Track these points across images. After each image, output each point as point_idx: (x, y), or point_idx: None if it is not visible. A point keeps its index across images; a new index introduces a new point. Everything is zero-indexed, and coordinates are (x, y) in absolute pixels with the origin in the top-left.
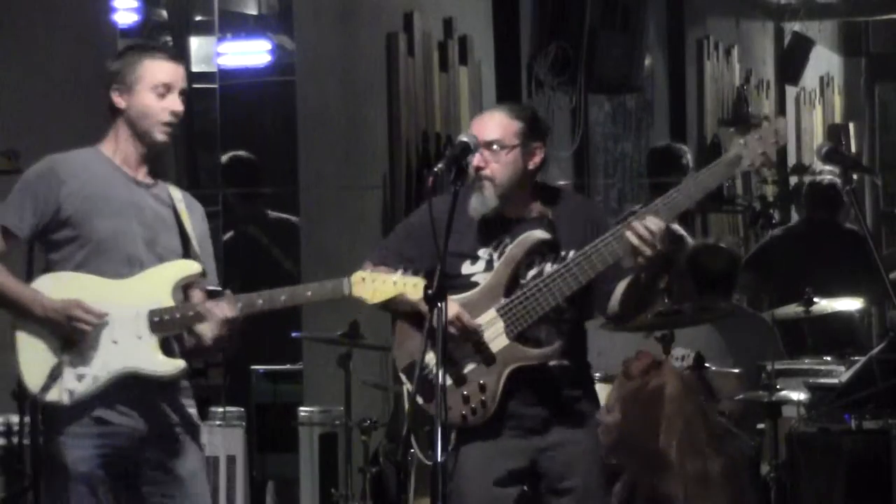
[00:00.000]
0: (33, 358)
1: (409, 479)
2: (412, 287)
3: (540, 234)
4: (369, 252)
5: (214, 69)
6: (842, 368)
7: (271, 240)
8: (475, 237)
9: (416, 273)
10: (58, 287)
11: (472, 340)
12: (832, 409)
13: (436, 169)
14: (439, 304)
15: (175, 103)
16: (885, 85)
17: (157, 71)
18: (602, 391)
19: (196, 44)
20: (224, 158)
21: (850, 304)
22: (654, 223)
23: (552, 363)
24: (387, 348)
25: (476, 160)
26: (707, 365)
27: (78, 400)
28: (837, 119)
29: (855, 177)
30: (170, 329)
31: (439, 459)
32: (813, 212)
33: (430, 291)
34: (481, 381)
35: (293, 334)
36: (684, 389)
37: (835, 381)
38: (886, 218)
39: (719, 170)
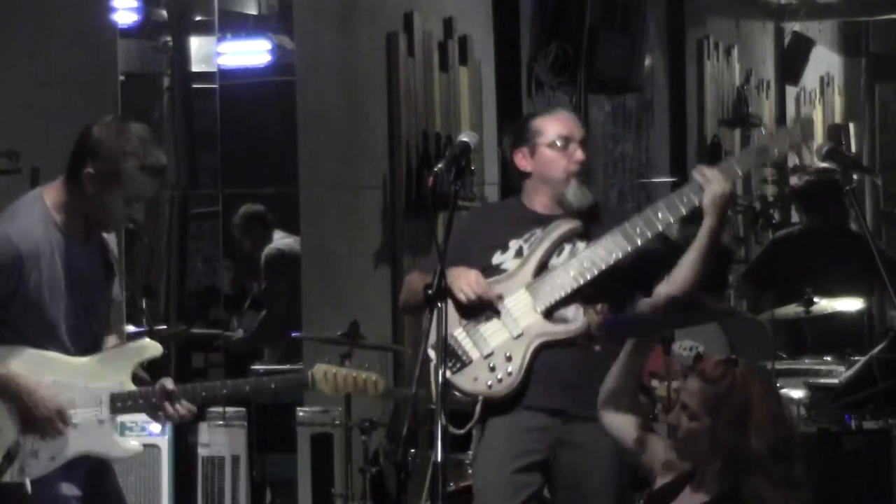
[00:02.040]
0: None
1: (411, 479)
2: (372, 384)
3: (570, 222)
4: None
5: (214, 69)
6: (842, 368)
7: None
8: (507, 230)
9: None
10: (19, 362)
11: (490, 304)
12: (832, 409)
13: (436, 169)
14: (439, 305)
15: (140, 213)
16: (885, 85)
17: (142, 187)
18: None
19: (196, 44)
20: (241, 212)
21: (850, 305)
22: (712, 171)
23: (582, 344)
24: (387, 348)
25: (582, 154)
26: None
27: (33, 479)
28: (837, 119)
29: (855, 177)
30: (130, 412)
31: (439, 459)
32: (808, 216)
33: (430, 291)
34: (508, 353)
35: (293, 334)
36: (769, 388)
37: (835, 381)
38: (886, 218)
39: (745, 157)
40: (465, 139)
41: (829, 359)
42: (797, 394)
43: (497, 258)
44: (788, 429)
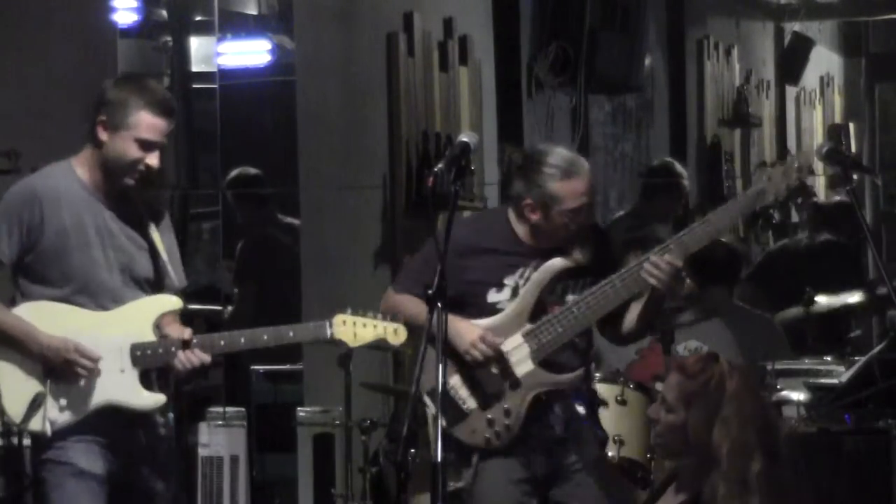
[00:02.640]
0: (14, 387)
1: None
2: (392, 332)
3: (564, 262)
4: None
5: (214, 69)
6: (842, 368)
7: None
8: (501, 265)
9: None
10: (40, 317)
11: (496, 363)
12: (832, 409)
13: (436, 169)
14: (439, 305)
15: (153, 159)
16: (885, 85)
17: (149, 128)
18: (603, 391)
19: (196, 44)
20: (232, 176)
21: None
22: (668, 262)
23: (568, 392)
24: (387, 348)
25: (589, 216)
26: None
27: (58, 430)
28: (837, 119)
29: (855, 177)
30: (150, 363)
31: (439, 459)
32: (816, 231)
33: (430, 292)
34: (506, 406)
35: None
36: (745, 386)
37: (835, 381)
38: (886, 218)
39: (743, 201)
40: (465, 139)
41: (829, 359)
42: (797, 394)
43: (492, 296)
44: (761, 430)
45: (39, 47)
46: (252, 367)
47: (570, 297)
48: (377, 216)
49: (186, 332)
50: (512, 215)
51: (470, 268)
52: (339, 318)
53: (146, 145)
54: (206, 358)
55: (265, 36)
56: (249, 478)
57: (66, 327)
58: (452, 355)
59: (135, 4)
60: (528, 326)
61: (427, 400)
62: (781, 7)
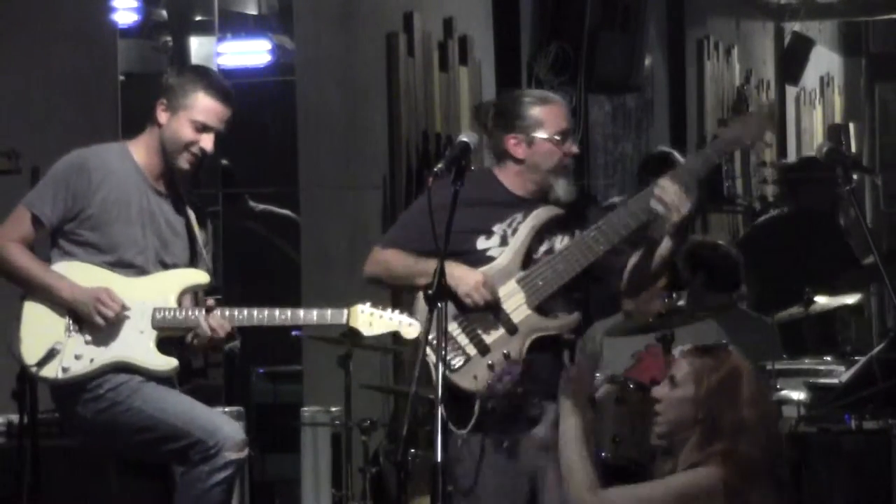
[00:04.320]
0: (36, 331)
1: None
2: (407, 327)
3: (552, 209)
4: (371, 247)
5: (214, 69)
6: (842, 368)
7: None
8: (490, 214)
9: (423, 254)
10: (73, 274)
11: (493, 308)
12: (832, 409)
13: (436, 169)
14: (439, 305)
15: (207, 142)
16: (885, 85)
17: (205, 110)
18: (602, 391)
19: (196, 44)
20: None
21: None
22: (671, 185)
23: (564, 336)
24: (387, 348)
25: (576, 148)
26: None
27: (69, 379)
28: (837, 119)
29: (855, 177)
30: (170, 328)
31: (439, 459)
32: (795, 200)
33: (429, 292)
34: (505, 351)
35: (293, 333)
36: (756, 377)
37: (835, 381)
38: (886, 218)
39: (719, 145)
40: (465, 139)
41: (829, 359)
42: (797, 394)
43: (482, 243)
44: (772, 422)
45: (39, 47)
46: (252, 367)
47: (558, 243)
48: (377, 216)
49: (209, 300)
50: (497, 171)
51: (459, 219)
52: (356, 308)
53: (201, 128)
54: (226, 325)
55: (265, 36)
56: (249, 478)
57: (96, 285)
58: (451, 302)
59: (135, 4)
60: (522, 273)
61: (428, 350)
62: (781, 7)
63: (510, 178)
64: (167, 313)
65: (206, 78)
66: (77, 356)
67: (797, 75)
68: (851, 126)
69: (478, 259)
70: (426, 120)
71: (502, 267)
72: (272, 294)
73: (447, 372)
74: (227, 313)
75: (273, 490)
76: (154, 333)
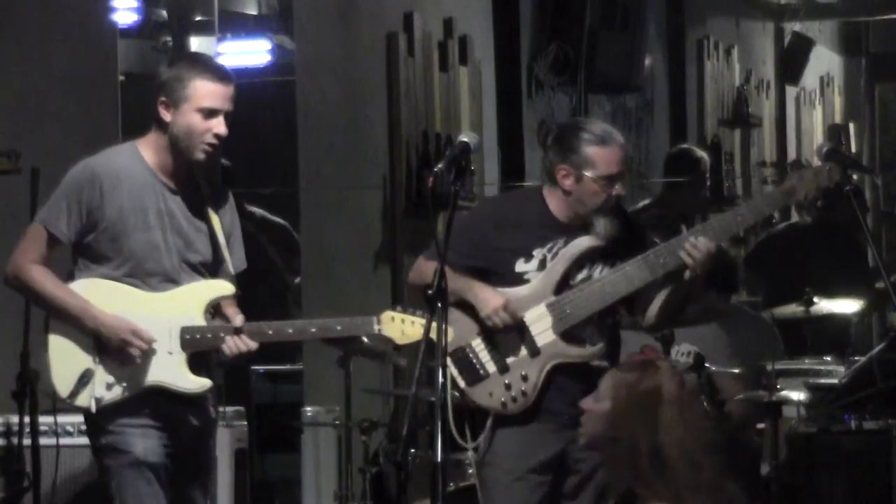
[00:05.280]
0: (65, 362)
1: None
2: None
3: (593, 240)
4: (370, 247)
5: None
6: (842, 368)
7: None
8: (531, 236)
9: (473, 268)
10: (95, 294)
11: (516, 332)
12: (832, 409)
13: (436, 169)
14: (439, 305)
15: (219, 126)
16: (885, 85)
17: (208, 95)
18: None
19: (196, 44)
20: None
21: (848, 307)
22: (705, 244)
23: (593, 363)
24: (386, 348)
25: (623, 190)
26: (707, 365)
27: (104, 408)
28: (837, 119)
29: (855, 177)
30: (199, 347)
31: (439, 459)
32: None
33: (430, 292)
34: (524, 372)
35: None
36: (683, 394)
37: (835, 381)
38: (886, 218)
39: (775, 197)
40: (465, 139)
41: (829, 359)
42: (797, 394)
43: (521, 266)
44: (701, 438)
45: (39, 47)
46: (252, 367)
47: (597, 273)
48: (377, 216)
49: (238, 319)
50: (546, 191)
51: (502, 238)
52: (387, 315)
53: (209, 113)
54: (254, 345)
55: (265, 36)
56: (249, 478)
57: (119, 305)
58: (476, 319)
59: (135, 4)
60: (553, 298)
61: (449, 362)
62: (781, 7)
63: (556, 203)
64: (196, 334)
65: (199, 63)
66: (108, 385)
67: (797, 75)
68: (851, 126)
69: (513, 281)
70: (426, 120)
71: (534, 290)
72: (271, 293)
73: (465, 384)
74: (256, 329)
75: (273, 490)
76: (183, 354)
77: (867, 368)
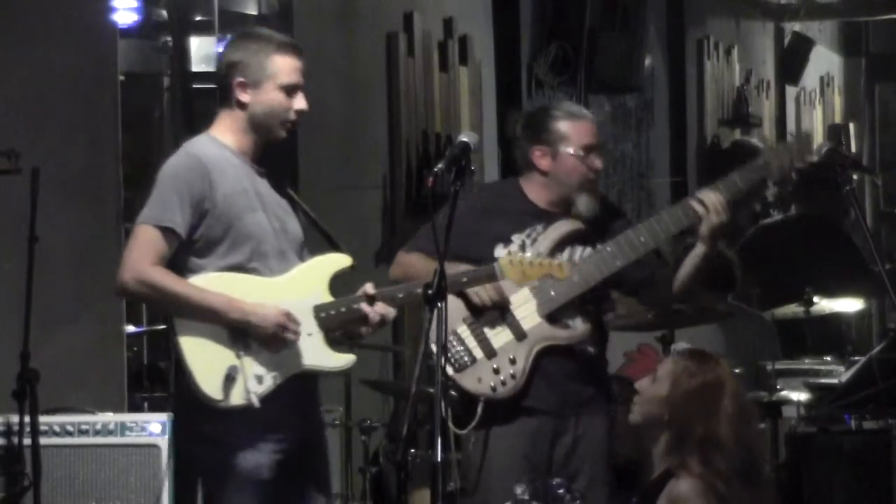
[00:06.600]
0: (205, 364)
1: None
2: (557, 268)
3: (573, 223)
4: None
5: (214, 69)
6: (842, 368)
7: None
8: (511, 223)
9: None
10: (221, 288)
11: (504, 313)
12: (832, 409)
13: (436, 169)
14: (439, 305)
15: (301, 102)
16: (885, 85)
17: (289, 71)
18: None
19: (196, 44)
20: None
21: (849, 306)
22: (714, 195)
23: (578, 347)
24: (387, 348)
25: (600, 163)
26: None
27: (260, 397)
28: (837, 119)
29: (855, 177)
30: (335, 324)
31: (439, 459)
32: (807, 203)
33: (430, 291)
34: (511, 356)
35: None
36: (741, 390)
37: (835, 381)
38: (886, 218)
39: (751, 169)
40: (465, 139)
41: (829, 359)
42: (797, 394)
43: (500, 251)
44: (752, 444)
45: (39, 47)
46: None
47: (577, 255)
48: (377, 216)
49: (369, 287)
50: (523, 181)
51: (481, 225)
52: (504, 260)
53: (290, 90)
54: (392, 311)
55: None
56: None
57: (250, 295)
58: (463, 304)
59: (135, 4)
60: (537, 281)
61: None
62: (781, 7)
63: (534, 190)
64: (331, 311)
65: (274, 39)
66: (258, 377)
67: (797, 75)
68: (851, 126)
69: None
70: (426, 120)
71: None
72: None
73: (452, 371)
74: (387, 294)
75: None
76: (322, 334)
77: (867, 368)
